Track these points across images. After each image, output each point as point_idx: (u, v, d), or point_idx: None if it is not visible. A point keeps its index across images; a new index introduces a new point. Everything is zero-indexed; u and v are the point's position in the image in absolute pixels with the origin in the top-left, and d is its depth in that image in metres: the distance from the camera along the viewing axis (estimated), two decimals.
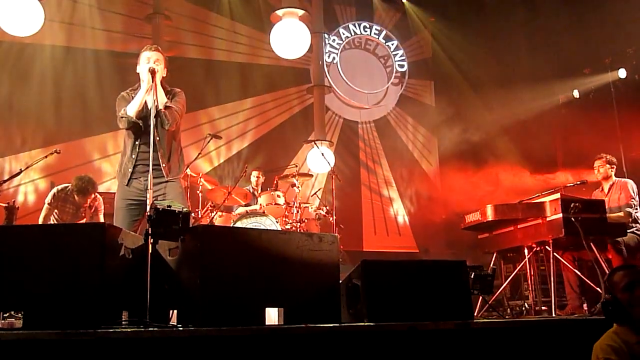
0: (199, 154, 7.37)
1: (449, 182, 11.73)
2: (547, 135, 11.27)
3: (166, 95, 4.63)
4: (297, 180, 8.14)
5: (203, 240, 3.29)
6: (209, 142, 7.38)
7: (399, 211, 11.94)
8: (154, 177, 4.29)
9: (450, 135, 11.85)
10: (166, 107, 4.53)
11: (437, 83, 12.84)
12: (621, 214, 6.12)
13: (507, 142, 11.30)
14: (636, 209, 6.30)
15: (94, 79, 9.36)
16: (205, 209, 7.60)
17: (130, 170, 4.57)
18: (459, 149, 11.72)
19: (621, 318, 2.98)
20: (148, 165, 4.27)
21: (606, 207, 5.83)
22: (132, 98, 4.58)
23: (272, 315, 3.58)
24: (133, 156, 4.57)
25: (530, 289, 6.31)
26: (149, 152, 4.24)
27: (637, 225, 6.20)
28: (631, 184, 6.39)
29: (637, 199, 6.31)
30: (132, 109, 4.49)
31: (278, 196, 7.90)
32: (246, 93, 10.76)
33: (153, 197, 4.25)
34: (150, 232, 3.30)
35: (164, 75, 4.74)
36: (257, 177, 8.64)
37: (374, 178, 11.88)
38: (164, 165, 4.54)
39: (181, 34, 10.46)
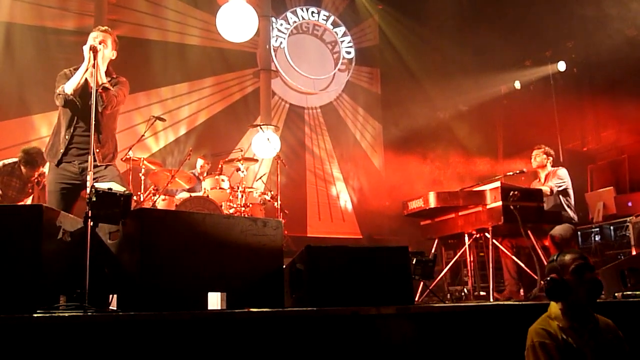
0: (143, 135, 7.22)
1: (393, 170, 11.88)
2: (489, 125, 11.55)
3: (110, 82, 4.55)
4: (242, 164, 8.08)
5: (144, 223, 3.24)
6: (152, 124, 7.24)
7: (344, 197, 12.03)
8: (87, 161, 4.18)
9: (395, 123, 12.01)
10: (104, 89, 4.44)
11: (383, 71, 12.95)
12: (545, 188, 6.31)
13: (451, 131, 11.53)
14: (568, 195, 6.52)
15: (32, 56, 9.02)
16: (148, 192, 7.46)
17: (61, 151, 4.49)
18: (404, 137, 11.90)
19: (563, 298, 3.07)
20: (82, 148, 4.26)
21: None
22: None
23: (215, 300, 3.56)
24: (67, 137, 4.49)
25: (469, 274, 6.48)
26: (84, 135, 4.20)
27: (570, 213, 6.44)
28: (562, 171, 6.63)
29: (567, 184, 6.53)
30: (69, 87, 4.42)
31: (222, 180, 7.83)
32: (191, 75, 10.59)
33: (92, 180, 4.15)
34: (89, 214, 3.23)
35: (112, 58, 4.69)
36: (202, 165, 8.56)
37: (319, 164, 11.91)
38: (97, 150, 4.49)
39: (126, 13, 10.19)
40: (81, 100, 4.45)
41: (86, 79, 4.45)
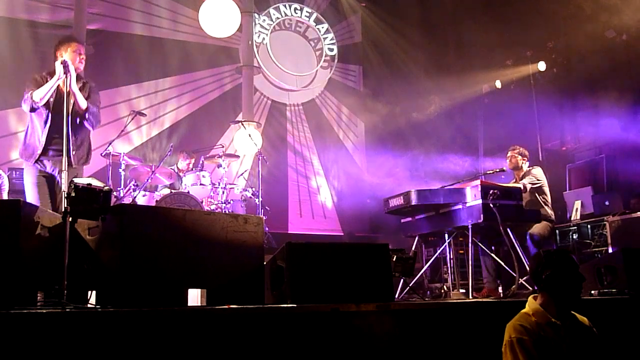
0: (123, 130, 7.17)
1: (375, 167, 11.92)
2: (471, 123, 11.61)
3: (82, 89, 4.63)
4: (223, 160, 8.06)
5: (124, 219, 3.22)
6: (132, 119, 7.20)
7: (325, 194, 12.04)
8: (62, 162, 4.25)
9: (377, 120, 12.03)
10: (88, 111, 4.54)
11: (365, 68, 12.97)
12: (518, 185, 6.38)
13: (433, 129, 11.58)
14: (544, 193, 6.59)
15: (7, 49, 8.88)
16: (128, 188, 7.41)
17: (39, 152, 4.61)
18: (385, 135, 11.94)
19: (554, 290, 3.11)
20: (57, 150, 4.42)
21: None
22: (44, 82, 4.60)
23: (195, 297, 3.55)
24: (42, 139, 4.61)
25: (449, 272, 6.52)
26: (58, 137, 4.31)
27: (547, 210, 6.51)
28: (537, 170, 6.70)
29: (542, 182, 6.60)
30: (38, 95, 4.53)
31: (203, 176, 7.81)
32: (173, 70, 10.51)
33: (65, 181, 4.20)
34: (68, 210, 3.20)
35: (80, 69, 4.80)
36: (185, 159, 8.53)
37: (300, 161, 11.91)
38: (73, 152, 4.61)
39: (106, 6, 10.09)
40: (53, 107, 4.52)
41: (58, 85, 4.56)
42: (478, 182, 5.64)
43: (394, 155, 11.33)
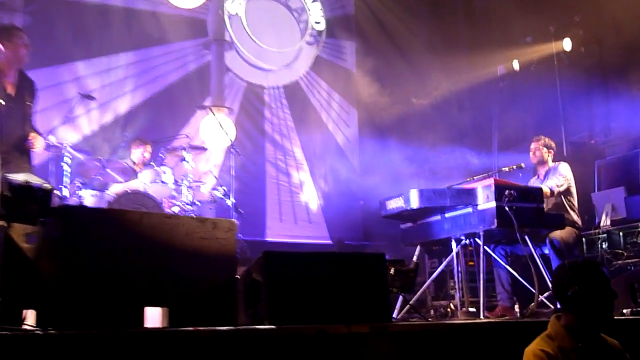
0: (67, 117, 7.12)
1: (369, 162, 11.92)
2: (483, 111, 11.65)
3: (22, 84, 4.71)
4: (188, 154, 8.03)
5: (68, 223, 3.20)
6: (79, 103, 7.15)
7: (310, 195, 12.04)
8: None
9: (372, 106, 12.03)
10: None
11: (359, 44, 12.95)
12: (544, 187, 6.42)
13: (438, 117, 11.62)
14: (570, 195, 6.65)
15: None
16: (73, 186, 7.36)
17: None
18: (382, 124, 11.97)
19: (581, 309, 3.12)
20: None
21: None
22: None
23: (154, 316, 3.54)
24: None
25: (457, 287, 6.55)
26: None
27: (573, 216, 6.57)
28: (564, 166, 6.77)
29: (570, 182, 6.67)
30: None
31: (164, 172, 7.78)
32: (129, 45, 10.45)
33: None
34: (1, 213, 3.18)
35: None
36: (142, 152, 8.47)
37: (281, 154, 11.90)
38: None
39: None
40: None
41: None
42: (491, 180, 5.69)
43: (393, 149, 11.33)
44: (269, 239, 11.23)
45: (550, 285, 5.04)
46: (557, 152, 7.03)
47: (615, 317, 4.40)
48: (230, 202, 8.16)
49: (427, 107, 11.98)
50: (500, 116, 11.44)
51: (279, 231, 11.49)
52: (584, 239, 7.78)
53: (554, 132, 9.51)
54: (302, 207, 11.92)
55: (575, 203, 6.71)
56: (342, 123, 12.70)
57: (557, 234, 6.21)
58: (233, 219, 6.45)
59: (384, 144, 11.51)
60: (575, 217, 6.61)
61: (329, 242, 11.70)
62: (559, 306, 3.30)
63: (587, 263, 3.28)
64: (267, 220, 11.50)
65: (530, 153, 6.95)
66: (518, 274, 6.13)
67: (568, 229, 6.34)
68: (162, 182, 7.72)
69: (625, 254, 7.60)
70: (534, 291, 5.49)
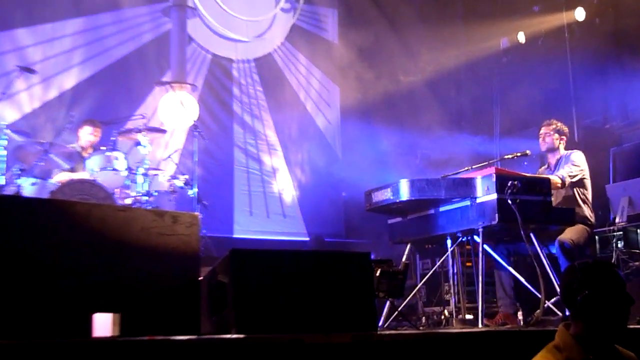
0: (3, 93, 7.05)
1: (353, 148, 11.93)
2: (483, 90, 11.70)
3: None
4: (144, 136, 7.99)
5: (3, 217, 3.18)
6: (18, 77, 7.09)
7: (285, 185, 12.03)
8: None
9: (357, 84, 12.03)
10: None
11: (342, 13, 12.94)
12: (554, 177, 6.45)
13: (431, 97, 11.65)
14: (583, 187, 6.68)
15: None
16: (10, 173, 7.31)
17: None
18: (369, 104, 11.96)
19: (592, 316, 3.13)
20: None
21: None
22: None
23: (105, 324, 3.52)
24: None
25: (452, 291, 6.58)
26: None
27: (585, 210, 6.60)
28: (578, 155, 6.78)
29: (583, 172, 6.69)
30: None
31: (116, 159, 7.74)
32: (75, 11, 10.35)
33: None
34: None
35: None
36: (91, 134, 8.41)
37: (251, 138, 11.87)
38: None
39: None
40: None
41: None
42: (492, 170, 5.71)
43: (381, 134, 11.36)
44: (237, 235, 11.21)
45: (558, 289, 5.07)
46: (568, 138, 7.05)
47: (631, 327, 4.46)
48: (192, 192, 8.13)
49: (420, 85, 12.00)
50: (502, 96, 11.49)
51: (249, 226, 11.48)
52: (596, 237, 7.82)
53: (564, 114, 9.54)
54: (275, 198, 11.90)
55: (589, 196, 6.73)
56: (323, 103, 12.68)
57: (567, 232, 6.24)
58: (196, 212, 6.44)
59: (370, 128, 11.52)
60: (587, 212, 6.64)
61: (306, 239, 11.70)
62: (567, 313, 3.32)
63: (599, 264, 3.29)
64: (235, 214, 11.48)
65: (540, 139, 6.96)
66: (522, 276, 6.16)
67: (579, 226, 6.38)
68: (114, 169, 7.67)
69: None
70: (539, 296, 5.53)
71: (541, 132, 6.99)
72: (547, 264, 5.78)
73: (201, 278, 3.85)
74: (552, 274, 5.75)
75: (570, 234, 6.26)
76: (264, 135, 12.00)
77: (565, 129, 6.99)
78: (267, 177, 11.91)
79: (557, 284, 5.48)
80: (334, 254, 4.10)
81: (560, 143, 6.91)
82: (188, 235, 3.67)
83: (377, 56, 11.98)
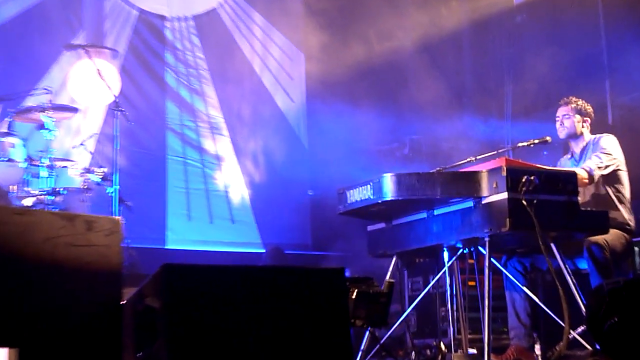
0: None
1: (322, 133, 11.94)
2: (491, 58, 11.75)
3: None
4: (49, 117, 7.94)
5: None
6: None
7: (234, 181, 12.03)
8: None
9: (328, 50, 12.04)
10: None
11: None
12: (580, 170, 6.46)
13: (424, 66, 11.68)
14: (619, 183, 6.71)
15: None
16: None
17: None
18: (343, 76, 11.95)
19: (623, 352, 3.16)
20: None
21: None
22: None
23: None
24: None
25: (450, 318, 6.62)
26: None
27: (623, 212, 6.64)
28: (609, 141, 6.79)
29: (617, 162, 6.69)
30: None
31: (12, 146, 7.69)
32: None
33: None
34: None
35: None
36: None
37: (190, 120, 11.85)
38: None
39: None
40: None
41: None
42: (502, 161, 5.73)
43: (358, 116, 11.36)
44: (171, 246, 11.22)
45: (585, 314, 5.11)
46: (599, 119, 7.07)
47: None
48: (112, 190, 8.10)
49: (409, 53, 12.03)
50: (515, 66, 11.55)
51: (187, 234, 11.48)
52: (636, 248, 7.88)
53: (595, 90, 9.62)
54: (221, 198, 11.91)
55: (627, 194, 6.75)
56: (284, 76, 12.71)
57: (600, 240, 6.29)
58: (117, 216, 6.42)
59: (344, 108, 11.50)
60: (625, 214, 6.67)
61: (261, 250, 11.72)
62: (598, 346, 3.35)
63: (633, 284, 3.30)
64: (169, 219, 11.47)
65: (557, 122, 6.97)
66: (540, 299, 6.21)
67: (615, 232, 6.42)
68: (10, 159, 7.63)
69: None
70: (562, 325, 5.57)
71: (558, 113, 7.00)
72: (573, 282, 5.80)
73: (124, 302, 3.84)
74: (580, 296, 5.78)
75: (604, 242, 6.28)
76: (206, 116, 11.99)
77: (589, 108, 6.99)
78: (210, 170, 11.91)
79: (584, 308, 5.51)
80: (297, 270, 4.11)
81: (583, 126, 6.93)
82: (107, 246, 3.65)
83: (355, 15, 12.01)
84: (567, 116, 6.94)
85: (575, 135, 6.95)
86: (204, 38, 12.16)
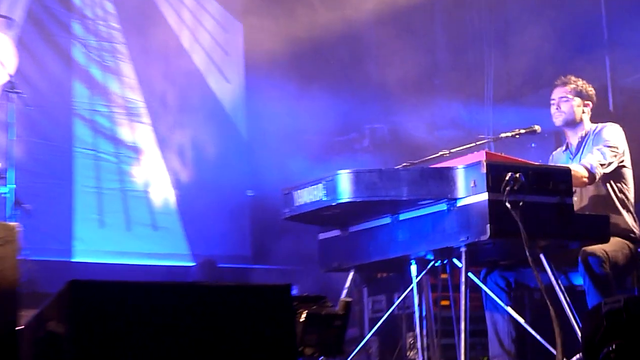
0: None
1: (264, 121, 11.96)
2: (469, 28, 11.82)
3: None
4: None
5: None
6: None
7: (157, 179, 12.00)
8: None
9: (272, 21, 12.04)
10: None
11: None
12: (577, 167, 6.46)
13: (388, 39, 11.72)
14: (623, 181, 6.74)
15: None
16: None
17: None
18: (289, 51, 11.96)
19: None
20: None
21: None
22: None
23: None
24: None
25: (420, 345, 6.64)
26: None
27: (626, 218, 6.68)
28: (613, 130, 6.81)
29: (622, 158, 6.71)
30: None
31: None
32: None
33: None
34: None
35: None
36: None
37: (103, 104, 11.81)
38: None
39: None
40: None
41: None
42: (482, 155, 5.75)
43: (308, 100, 11.38)
44: (79, 258, 11.18)
45: (580, 339, 5.14)
46: (597, 105, 7.10)
47: None
48: (6, 190, 8.05)
49: (369, 23, 12.07)
50: (498, 40, 11.63)
51: (98, 244, 11.44)
52: None
53: (593, 70, 9.70)
54: (140, 200, 11.88)
55: (631, 195, 6.79)
56: (218, 51, 12.73)
57: (598, 250, 6.31)
58: (13, 223, 6.38)
59: (291, 91, 11.51)
60: (629, 220, 6.70)
61: (191, 263, 11.71)
62: None
63: (634, 303, 3.32)
64: (77, 225, 11.43)
65: (552, 106, 6.98)
66: (527, 322, 6.24)
67: (617, 240, 6.44)
68: None
69: None
70: (553, 352, 5.61)
71: (553, 96, 7.00)
72: (567, 301, 5.83)
73: (21, 327, 3.81)
74: (575, 318, 5.81)
75: (603, 251, 6.25)
76: (123, 100, 11.96)
77: (591, 91, 7.00)
78: (126, 165, 11.88)
79: (579, 331, 5.54)
80: (233, 288, 4.09)
81: (584, 112, 6.95)
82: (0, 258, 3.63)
83: None
84: (564, 99, 6.89)
85: (573, 123, 6.92)
86: (119, 5, 12.13)
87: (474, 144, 6.63)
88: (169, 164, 12.10)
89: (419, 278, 6.23)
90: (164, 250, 11.78)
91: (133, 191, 11.86)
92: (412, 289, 6.29)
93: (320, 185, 5.98)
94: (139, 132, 12.01)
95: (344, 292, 6.33)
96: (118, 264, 11.16)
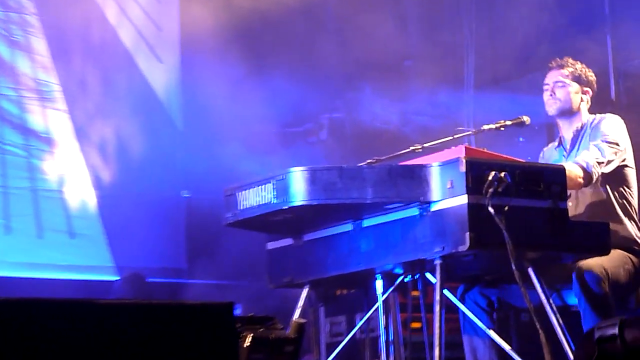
0: None
1: (203, 110, 11.94)
2: (445, 4, 11.88)
3: None
4: None
5: None
6: None
7: (75, 178, 11.97)
8: None
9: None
10: None
11: None
12: (572, 165, 6.44)
13: (350, 14, 11.75)
14: (624, 183, 6.75)
15: None
16: None
17: None
18: (234, 24, 11.95)
19: None
20: None
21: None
22: None
23: None
24: None
25: None
26: None
27: (629, 226, 6.69)
28: (613, 122, 6.85)
29: (624, 155, 6.75)
30: None
31: None
32: None
33: None
34: None
35: None
36: None
37: (10, 86, 11.76)
38: None
39: None
40: None
41: None
42: (461, 151, 5.77)
43: (255, 84, 11.38)
44: None
45: None
46: (598, 93, 7.13)
47: None
48: None
49: None
50: (480, 17, 11.69)
51: (5, 254, 11.38)
52: None
53: (593, 54, 9.76)
54: (54, 202, 11.84)
55: (634, 200, 6.82)
56: (149, 27, 12.70)
57: (595, 266, 6.36)
58: None
59: (235, 73, 11.51)
60: (633, 229, 6.73)
61: (115, 277, 11.67)
62: None
63: (629, 326, 3.35)
64: None
65: (545, 93, 6.98)
66: (513, 347, 6.27)
67: (618, 253, 6.48)
68: None
69: None
70: None
71: (547, 80, 7.00)
72: (559, 324, 5.87)
73: None
74: (568, 343, 5.83)
75: (601, 265, 6.29)
76: (34, 82, 11.91)
77: (591, 76, 7.01)
78: (38, 160, 11.83)
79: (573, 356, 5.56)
80: (164, 306, 4.09)
81: (582, 100, 6.96)
82: None
83: None
84: (560, 84, 6.89)
85: (569, 112, 6.93)
86: None
87: (451, 138, 6.65)
88: (88, 159, 12.06)
89: (385, 296, 6.23)
90: (82, 262, 11.74)
91: (45, 191, 11.81)
92: (377, 308, 6.28)
93: (269, 186, 5.97)
94: (53, 121, 11.97)
95: (297, 312, 6.33)
96: (26, 278, 11.11)
